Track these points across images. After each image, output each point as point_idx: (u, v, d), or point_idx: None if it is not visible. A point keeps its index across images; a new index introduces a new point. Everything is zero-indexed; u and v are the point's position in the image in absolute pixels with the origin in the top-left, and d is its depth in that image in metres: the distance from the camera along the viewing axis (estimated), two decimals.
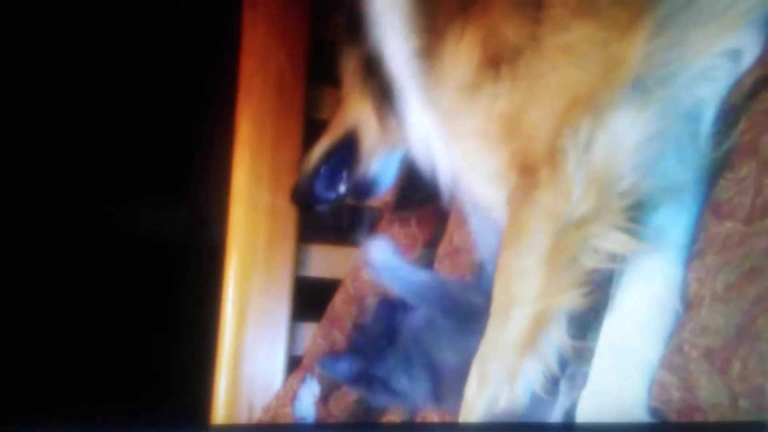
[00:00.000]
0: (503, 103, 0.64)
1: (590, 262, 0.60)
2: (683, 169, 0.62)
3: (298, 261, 1.05)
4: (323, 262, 1.09)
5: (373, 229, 1.15)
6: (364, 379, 0.85)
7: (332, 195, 0.93)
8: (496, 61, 0.64)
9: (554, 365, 0.62)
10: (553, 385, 0.64)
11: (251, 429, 0.94)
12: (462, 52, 0.66)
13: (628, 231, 0.59)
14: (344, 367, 0.86)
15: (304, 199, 0.94)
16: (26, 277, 1.81)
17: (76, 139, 1.92)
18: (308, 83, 1.05)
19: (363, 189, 0.92)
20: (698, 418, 0.54)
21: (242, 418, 1.02)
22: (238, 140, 1.02)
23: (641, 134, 0.59)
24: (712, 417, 0.53)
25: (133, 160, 1.98)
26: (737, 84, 0.61)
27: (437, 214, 1.05)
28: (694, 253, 0.60)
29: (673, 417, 0.57)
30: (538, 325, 0.61)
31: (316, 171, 0.92)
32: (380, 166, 0.92)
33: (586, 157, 0.59)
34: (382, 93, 0.80)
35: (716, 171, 0.61)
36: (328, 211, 1.08)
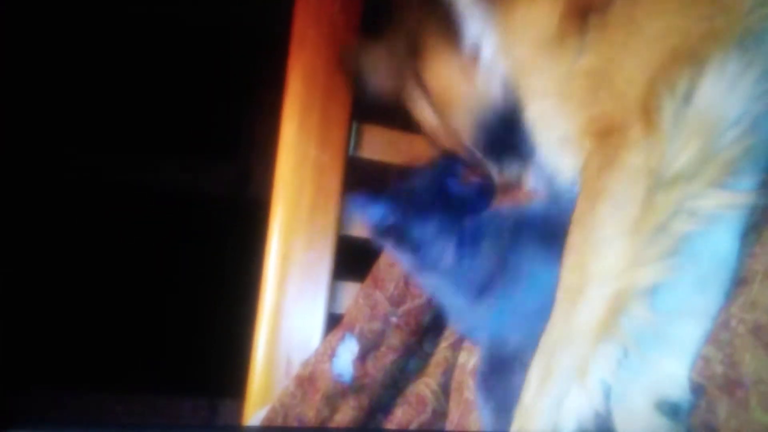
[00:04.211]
0: (589, 58, 0.58)
1: (685, 225, 0.54)
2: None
3: (342, 219, 1.05)
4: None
5: None
6: (394, 233, 0.80)
7: None
8: (583, 10, 0.59)
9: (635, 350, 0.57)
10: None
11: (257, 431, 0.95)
12: (541, 2, 0.61)
13: (729, 186, 0.54)
14: (377, 212, 0.80)
15: None
16: (77, 233, 1.89)
17: (126, 97, 1.98)
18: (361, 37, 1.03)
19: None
20: (740, 394, 0.52)
21: (280, 372, 1.03)
22: (289, 94, 1.02)
23: (748, 90, 0.53)
24: (754, 393, 0.51)
25: (183, 115, 2.02)
26: None
27: None
28: (749, 227, 0.58)
29: (714, 392, 0.55)
30: (619, 305, 0.56)
31: None
32: None
33: (685, 110, 0.53)
34: None
35: None
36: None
